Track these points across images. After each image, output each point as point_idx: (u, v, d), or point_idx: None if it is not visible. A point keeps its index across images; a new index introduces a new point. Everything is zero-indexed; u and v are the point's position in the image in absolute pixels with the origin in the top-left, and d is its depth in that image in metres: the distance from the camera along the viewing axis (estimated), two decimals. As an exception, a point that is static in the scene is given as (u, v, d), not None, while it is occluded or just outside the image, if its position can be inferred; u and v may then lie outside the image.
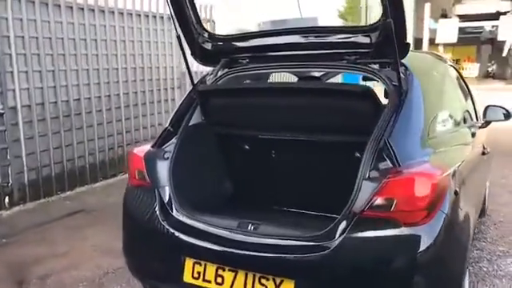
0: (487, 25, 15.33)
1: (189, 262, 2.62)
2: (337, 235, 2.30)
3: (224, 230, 2.59)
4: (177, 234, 2.68)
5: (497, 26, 15.18)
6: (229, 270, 2.51)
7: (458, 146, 3.15)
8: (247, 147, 3.39)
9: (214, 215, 2.79)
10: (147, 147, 3.10)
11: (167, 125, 3.10)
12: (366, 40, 2.78)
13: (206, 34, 3.20)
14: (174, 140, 3.04)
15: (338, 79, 4.97)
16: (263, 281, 2.42)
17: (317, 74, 3.79)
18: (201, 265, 2.58)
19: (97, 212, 5.55)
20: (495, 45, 16.87)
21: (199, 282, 2.58)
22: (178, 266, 2.66)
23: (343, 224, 2.31)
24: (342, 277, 2.30)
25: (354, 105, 2.72)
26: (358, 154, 2.92)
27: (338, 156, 3.04)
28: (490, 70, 18.34)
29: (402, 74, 2.67)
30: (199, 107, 3.21)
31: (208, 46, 3.21)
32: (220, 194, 3.45)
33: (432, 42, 16.95)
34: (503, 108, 4.21)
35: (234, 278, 2.50)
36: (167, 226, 2.72)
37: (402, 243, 2.24)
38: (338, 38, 2.89)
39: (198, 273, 2.59)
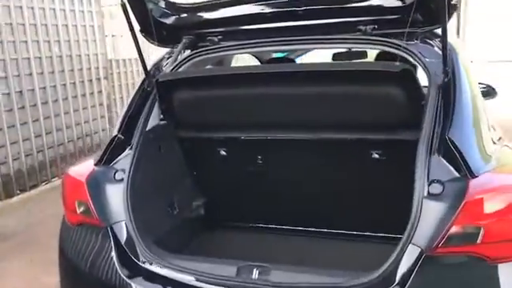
0: None
1: None
2: (397, 279, 1.58)
3: (220, 281, 1.78)
4: None
5: None
6: None
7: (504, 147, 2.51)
8: (224, 153, 2.57)
9: (195, 256, 1.98)
10: (88, 165, 2.19)
11: (115, 131, 2.21)
12: (391, 2, 2.05)
13: (162, 3, 2.30)
14: (127, 152, 2.18)
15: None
16: None
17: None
18: None
19: (17, 237, 4.43)
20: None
21: None
22: None
23: (405, 264, 1.59)
24: None
25: (388, 90, 2.00)
26: (377, 155, 2.23)
27: (351, 158, 2.35)
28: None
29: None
30: (157, 104, 2.34)
31: (166, 19, 2.34)
32: (193, 218, 2.63)
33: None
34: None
35: None
36: (131, 281, 1.86)
37: None
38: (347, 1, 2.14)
39: None
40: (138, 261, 1.93)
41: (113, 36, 7.20)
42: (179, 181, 2.62)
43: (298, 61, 4.05)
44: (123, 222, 2.01)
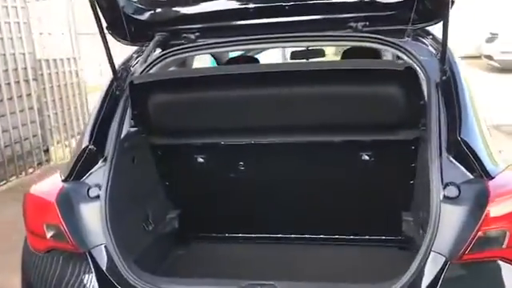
0: None
1: None
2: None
3: None
4: None
5: None
6: None
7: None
8: (201, 160, 2.37)
9: (189, 278, 1.79)
10: (55, 181, 1.91)
11: (86, 141, 1.94)
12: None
13: None
14: (100, 164, 1.91)
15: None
16: None
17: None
18: None
19: None
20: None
21: None
22: None
23: (429, 274, 1.51)
24: None
25: (386, 89, 1.92)
26: (367, 157, 2.15)
27: (339, 161, 2.28)
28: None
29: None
30: (129, 110, 2.10)
31: (137, 14, 2.09)
32: (168, 233, 2.42)
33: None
34: None
35: None
36: None
37: None
38: None
39: None
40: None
41: (41, 34, 6.60)
42: (153, 193, 2.38)
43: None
44: (103, 246, 1.76)
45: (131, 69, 2.24)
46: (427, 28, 2.13)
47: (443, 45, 1.82)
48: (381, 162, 2.25)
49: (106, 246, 1.76)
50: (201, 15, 2.22)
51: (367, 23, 2.09)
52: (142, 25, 2.20)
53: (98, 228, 1.77)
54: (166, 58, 2.20)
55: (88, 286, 1.73)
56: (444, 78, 1.88)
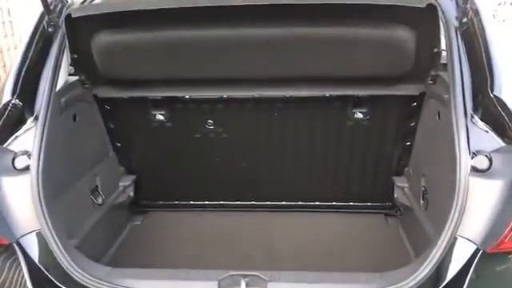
0: None
1: None
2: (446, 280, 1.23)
3: None
4: None
5: None
6: None
7: None
8: (161, 117, 1.95)
9: (150, 269, 1.46)
10: None
11: (8, 95, 1.47)
12: None
13: None
14: (28, 125, 1.46)
15: None
16: None
17: None
18: None
19: None
20: None
21: None
22: None
23: (454, 265, 1.22)
24: None
25: (399, 33, 1.58)
26: (361, 115, 1.83)
27: (329, 118, 1.96)
28: None
29: None
30: (67, 53, 1.63)
31: None
32: (122, 203, 2.03)
33: None
34: None
35: None
36: None
37: None
38: None
39: None
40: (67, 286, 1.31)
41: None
42: (101, 158, 1.95)
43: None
44: (34, 233, 1.34)
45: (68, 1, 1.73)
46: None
47: None
48: (376, 121, 1.92)
49: (39, 233, 1.34)
50: None
51: None
52: None
53: (29, 210, 1.34)
54: None
55: (19, 285, 1.33)
56: (465, 20, 1.53)
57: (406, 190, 2.00)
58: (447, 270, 1.26)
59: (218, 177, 2.12)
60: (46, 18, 1.63)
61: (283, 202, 2.21)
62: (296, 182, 2.13)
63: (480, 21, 1.55)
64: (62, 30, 1.62)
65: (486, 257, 1.23)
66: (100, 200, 1.88)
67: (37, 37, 1.63)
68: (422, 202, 1.80)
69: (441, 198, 1.57)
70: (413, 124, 1.91)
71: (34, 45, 1.61)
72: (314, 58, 1.71)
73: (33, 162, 1.38)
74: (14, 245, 1.33)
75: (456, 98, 1.38)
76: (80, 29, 1.59)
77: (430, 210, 1.72)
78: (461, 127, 1.34)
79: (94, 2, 1.71)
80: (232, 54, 1.71)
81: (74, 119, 1.71)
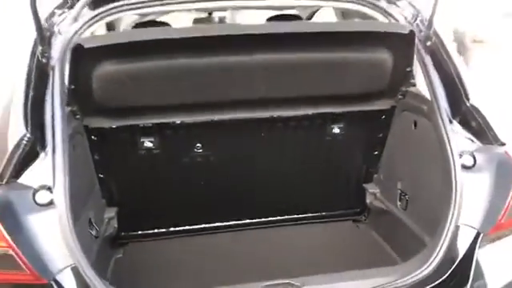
0: None
1: None
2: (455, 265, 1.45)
3: None
4: None
5: None
6: None
7: None
8: (150, 144, 1.96)
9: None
10: None
11: (22, 128, 1.42)
12: None
13: None
14: (42, 158, 1.42)
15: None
16: None
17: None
18: None
19: None
20: None
21: None
22: None
23: (461, 248, 1.43)
24: None
25: (380, 55, 1.78)
26: (338, 130, 2.03)
27: (309, 135, 2.12)
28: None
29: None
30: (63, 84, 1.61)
31: None
32: (108, 236, 2.01)
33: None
34: None
35: None
36: None
37: None
38: None
39: None
40: None
41: None
42: (91, 189, 1.90)
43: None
44: (69, 268, 1.30)
45: (55, 29, 1.70)
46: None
47: (434, 6, 1.73)
48: (349, 134, 2.12)
49: (73, 268, 1.30)
50: None
51: None
52: None
53: (60, 245, 1.30)
54: (106, 16, 1.72)
55: None
56: (430, 43, 1.80)
57: (378, 194, 2.21)
58: (457, 253, 1.47)
59: (203, 199, 2.16)
60: (40, 48, 1.59)
61: (267, 218, 2.30)
62: (278, 197, 2.24)
63: (442, 42, 1.84)
64: (61, 60, 1.59)
65: (486, 238, 1.47)
66: (95, 232, 1.82)
67: (34, 68, 1.59)
68: (399, 203, 2.03)
69: (425, 196, 1.81)
70: (381, 135, 2.14)
71: (32, 77, 1.56)
72: (301, 81, 1.86)
73: (59, 197, 1.34)
74: (52, 283, 1.28)
75: (440, 108, 1.62)
76: (84, 59, 1.58)
77: (411, 208, 1.95)
78: (449, 132, 1.58)
79: (83, 33, 1.72)
80: (227, 79, 1.80)
81: (74, 150, 1.67)
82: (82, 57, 1.56)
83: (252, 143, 2.07)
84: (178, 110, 1.90)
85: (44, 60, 1.60)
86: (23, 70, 1.59)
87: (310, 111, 1.99)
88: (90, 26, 1.72)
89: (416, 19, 1.89)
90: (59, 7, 1.78)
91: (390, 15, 1.88)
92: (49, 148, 1.43)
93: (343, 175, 2.27)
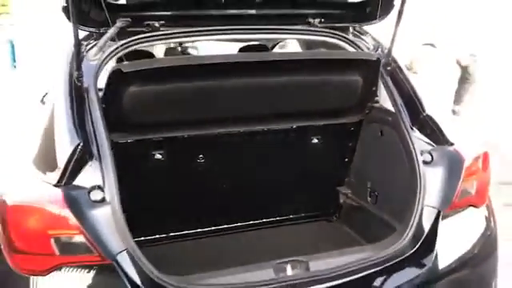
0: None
1: None
2: (424, 237, 1.87)
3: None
4: None
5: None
6: None
7: None
8: (159, 156, 2.26)
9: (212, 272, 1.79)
10: (42, 187, 1.63)
11: (75, 139, 1.70)
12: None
13: None
14: (91, 163, 1.71)
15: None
16: None
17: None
18: None
19: None
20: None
21: None
22: None
23: (427, 223, 1.87)
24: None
25: (351, 78, 2.20)
26: (316, 140, 2.44)
27: (294, 145, 2.50)
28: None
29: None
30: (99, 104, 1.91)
31: None
32: None
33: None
34: None
35: None
36: None
37: (487, 230, 2.01)
38: None
39: None
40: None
41: None
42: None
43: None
44: (125, 251, 1.58)
45: (83, 55, 1.99)
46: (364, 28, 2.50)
47: (392, 39, 2.20)
48: (326, 144, 2.52)
49: (128, 251, 1.58)
50: (168, 2, 2.10)
51: (322, 20, 2.33)
52: (106, 7, 1.96)
53: (115, 233, 1.58)
54: (131, 46, 2.03)
55: None
56: (389, 68, 2.27)
57: (349, 194, 2.62)
58: (424, 228, 1.88)
59: (201, 204, 2.44)
60: (76, 72, 1.87)
61: (257, 221, 2.62)
62: (267, 201, 2.58)
63: (399, 67, 2.31)
64: (93, 84, 1.87)
65: (444, 215, 1.90)
66: None
67: (73, 90, 1.87)
68: (369, 199, 2.44)
69: (393, 189, 2.23)
70: (351, 144, 2.56)
71: (74, 98, 1.84)
72: (289, 100, 2.25)
73: (111, 194, 1.61)
74: (114, 263, 1.55)
75: (403, 119, 2.06)
76: (120, 81, 1.87)
77: (380, 202, 2.36)
78: (411, 137, 2.03)
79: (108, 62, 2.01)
80: (228, 98, 2.16)
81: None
82: (119, 80, 1.85)
83: (246, 154, 2.42)
84: (186, 125, 2.22)
85: (79, 84, 1.88)
86: (62, 91, 1.87)
87: (294, 125, 2.37)
88: (117, 53, 2.02)
89: (377, 49, 2.36)
90: (85, 39, 2.08)
91: (357, 46, 2.34)
92: (96, 155, 1.71)
93: (320, 180, 2.65)
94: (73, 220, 1.51)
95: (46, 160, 1.79)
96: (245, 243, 2.52)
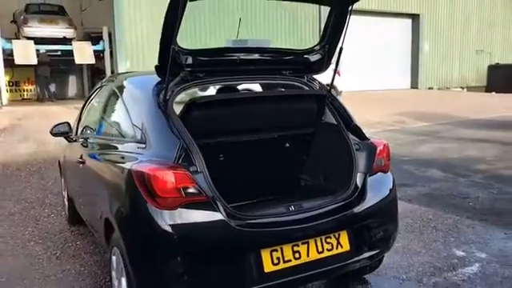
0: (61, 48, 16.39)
1: (265, 253, 2.79)
2: (359, 188, 3.16)
3: (282, 217, 2.91)
4: (250, 231, 2.78)
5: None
6: (302, 244, 2.90)
7: None
8: (221, 157, 3.51)
9: (253, 209, 3.02)
10: (167, 164, 2.85)
11: (186, 139, 2.89)
12: (302, 59, 3.62)
13: (176, 46, 3.00)
14: (187, 152, 2.86)
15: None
16: (328, 240, 2.98)
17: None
18: (277, 250, 2.81)
19: None
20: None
21: (280, 266, 2.80)
22: (256, 261, 2.77)
23: (359, 181, 3.17)
24: (373, 212, 3.21)
25: (308, 105, 3.49)
26: (288, 145, 3.92)
27: (275, 148, 3.69)
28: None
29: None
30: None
31: (178, 57, 3.07)
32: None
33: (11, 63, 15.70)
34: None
35: (308, 247, 2.92)
36: (241, 228, 2.75)
37: (391, 184, 3.55)
38: (281, 57, 3.66)
39: (278, 258, 2.80)
40: (237, 215, 2.74)
41: None
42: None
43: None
44: (215, 196, 2.72)
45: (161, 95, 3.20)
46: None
47: (331, 83, 3.80)
48: (294, 147, 3.61)
49: (213, 198, 2.73)
50: (207, 62, 3.28)
51: (291, 71, 3.66)
52: (176, 65, 3.03)
53: (208, 186, 2.75)
54: (189, 87, 3.28)
55: (218, 218, 2.71)
56: (331, 99, 3.84)
57: (308, 179, 3.74)
58: (357, 184, 3.11)
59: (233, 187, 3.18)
60: (163, 103, 3.14)
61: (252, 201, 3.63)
62: (260, 186, 3.59)
63: (335, 97, 3.65)
64: (171, 108, 3.05)
65: (368, 177, 3.20)
66: None
67: (161, 110, 2.98)
68: (321, 178, 3.59)
69: (338, 170, 3.36)
70: (308, 146, 3.61)
71: (171, 115, 2.95)
72: (274, 118, 3.39)
73: (202, 169, 2.67)
74: (211, 201, 2.74)
75: (343, 127, 3.43)
76: (193, 109, 3.05)
77: (329, 180, 3.51)
78: (348, 136, 3.55)
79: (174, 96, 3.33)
80: (244, 117, 3.35)
81: None
82: (193, 108, 3.20)
83: (249, 153, 3.52)
84: (231, 133, 3.36)
85: (164, 108, 3.18)
86: (168, 118, 2.97)
87: (276, 134, 3.51)
88: (180, 92, 3.13)
89: (322, 88, 3.68)
90: (160, 83, 3.36)
91: (311, 86, 3.62)
92: (188, 149, 2.83)
93: (289, 170, 3.72)
94: (191, 179, 2.75)
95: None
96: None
